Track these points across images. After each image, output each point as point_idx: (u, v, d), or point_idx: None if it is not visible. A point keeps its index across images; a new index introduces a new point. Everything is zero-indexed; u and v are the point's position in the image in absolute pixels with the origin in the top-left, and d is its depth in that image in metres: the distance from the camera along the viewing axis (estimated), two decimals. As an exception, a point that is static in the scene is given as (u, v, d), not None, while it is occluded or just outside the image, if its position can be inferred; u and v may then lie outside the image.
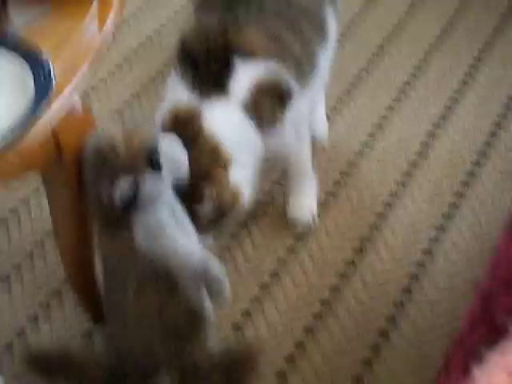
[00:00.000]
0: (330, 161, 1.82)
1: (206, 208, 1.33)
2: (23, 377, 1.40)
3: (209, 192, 1.31)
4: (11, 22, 1.12)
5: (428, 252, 1.62)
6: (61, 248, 1.37)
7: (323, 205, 1.72)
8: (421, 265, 1.60)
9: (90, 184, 1.20)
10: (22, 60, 1.02)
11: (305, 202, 1.68)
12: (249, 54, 1.38)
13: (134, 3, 2.27)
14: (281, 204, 1.71)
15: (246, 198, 1.41)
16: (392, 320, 1.50)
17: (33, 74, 0.99)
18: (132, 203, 1.17)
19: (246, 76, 1.38)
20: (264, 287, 1.57)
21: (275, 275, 1.59)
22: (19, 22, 1.12)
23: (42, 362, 1.33)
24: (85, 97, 1.89)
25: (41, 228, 1.67)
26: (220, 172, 1.34)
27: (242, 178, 1.39)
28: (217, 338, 1.37)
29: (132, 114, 1.94)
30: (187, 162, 1.24)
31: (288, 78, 1.43)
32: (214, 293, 1.22)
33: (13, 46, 1.04)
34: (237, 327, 1.50)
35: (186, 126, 1.32)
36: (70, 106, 1.09)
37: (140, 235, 1.19)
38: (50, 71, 1.00)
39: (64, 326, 1.51)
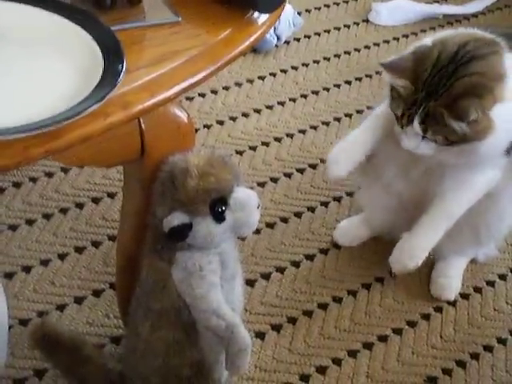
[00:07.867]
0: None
1: (461, 126, 1.24)
2: (30, 354, 1.37)
3: (474, 107, 1.23)
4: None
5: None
6: (118, 243, 1.32)
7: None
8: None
9: (155, 197, 1.12)
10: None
11: (450, 284, 1.59)
12: None
13: None
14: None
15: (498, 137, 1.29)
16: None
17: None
18: (179, 239, 1.09)
19: None
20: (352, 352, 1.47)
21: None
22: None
23: (52, 342, 1.29)
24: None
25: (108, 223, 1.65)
26: (490, 98, 1.25)
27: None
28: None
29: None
30: (257, 222, 1.12)
31: None
32: (232, 361, 1.14)
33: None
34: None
35: (481, 41, 1.29)
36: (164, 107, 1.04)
37: (178, 273, 1.12)
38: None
39: (89, 323, 1.46)
